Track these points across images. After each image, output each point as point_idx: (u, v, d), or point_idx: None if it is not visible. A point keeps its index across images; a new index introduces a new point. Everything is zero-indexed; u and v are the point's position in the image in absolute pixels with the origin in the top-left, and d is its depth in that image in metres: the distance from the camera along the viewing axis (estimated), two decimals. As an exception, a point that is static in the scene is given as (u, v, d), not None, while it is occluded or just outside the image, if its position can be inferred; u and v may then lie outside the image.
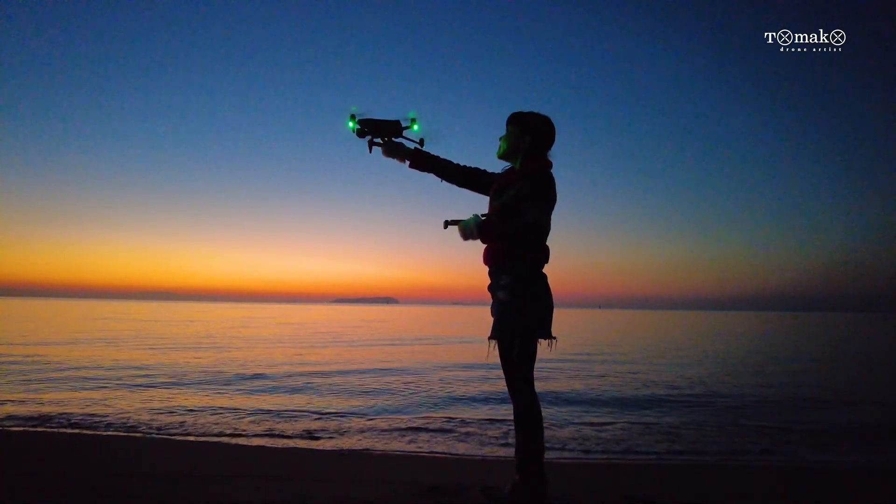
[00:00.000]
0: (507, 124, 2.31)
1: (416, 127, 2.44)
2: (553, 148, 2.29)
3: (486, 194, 2.38)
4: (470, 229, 2.12)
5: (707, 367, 11.38)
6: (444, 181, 2.45)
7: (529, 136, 2.23)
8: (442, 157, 2.45)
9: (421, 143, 2.46)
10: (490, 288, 2.24)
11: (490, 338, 2.19)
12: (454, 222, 2.21)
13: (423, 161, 2.41)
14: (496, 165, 2.41)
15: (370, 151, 2.46)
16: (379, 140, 2.43)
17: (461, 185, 2.45)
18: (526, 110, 2.30)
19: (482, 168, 2.44)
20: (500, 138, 2.33)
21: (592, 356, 13.22)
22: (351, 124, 2.39)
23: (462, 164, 2.44)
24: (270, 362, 10.73)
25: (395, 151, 2.42)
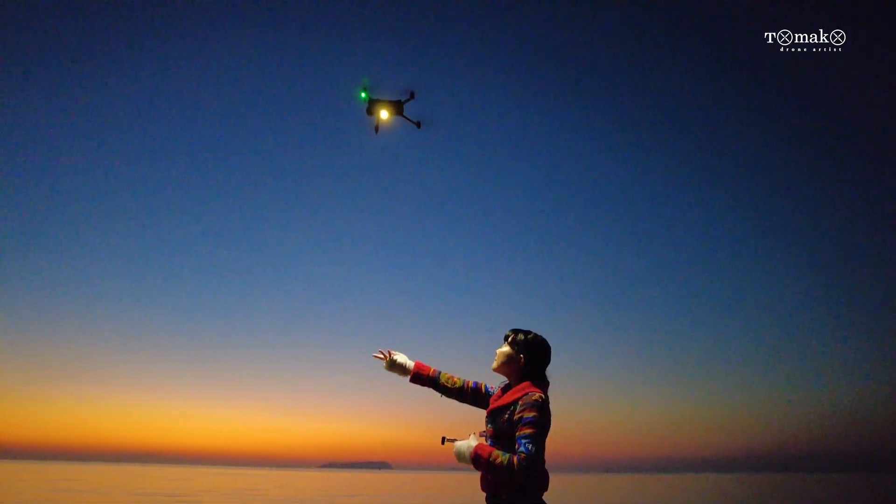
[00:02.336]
0: (504, 340, 2.39)
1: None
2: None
3: (484, 408, 2.44)
4: (463, 456, 2.14)
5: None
6: (443, 396, 2.54)
7: (525, 357, 2.31)
8: (442, 371, 2.56)
9: (418, 124, 2.63)
10: None
11: None
12: (451, 440, 2.24)
13: (422, 378, 2.54)
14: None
15: (376, 132, 2.65)
16: (385, 115, 2.63)
17: (459, 400, 2.53)
18: (524, 328, 2.38)
19: (479, 382, 2.53)
20: (497, 350, 2.40)
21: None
22: (364, 94, 2.62)
23: (459, 378, 2.54)
24: None
25: (395, 367, 2.57)
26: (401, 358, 2.59)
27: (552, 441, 2.23)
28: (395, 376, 2.61)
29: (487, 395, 2.47)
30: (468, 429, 2.29)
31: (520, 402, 2.17)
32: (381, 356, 2.61)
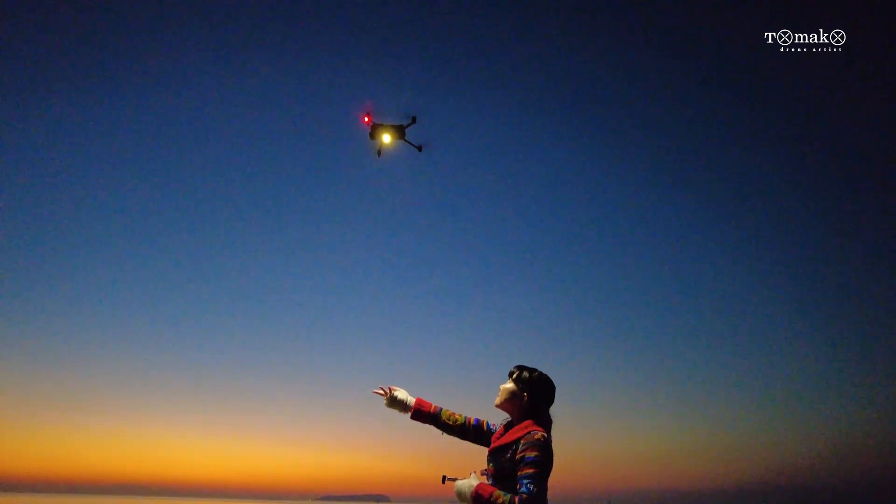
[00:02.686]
0: (509, 377, 2.37)
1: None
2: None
3: (486, 446, 2.41)
4: (464, 496, 2.11)
5: None
6: (444, 434, 2.52)
7: (528, 395, 2.28)
8: (443, 407, 2.54)
9: (419, 148, 2.71)
10: None
11: None
12: (452, 479, 2.22)
13: (423, 414, 2.51)
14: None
15: (379, 156, 2.78)
16: (388, 138, 2.75)
17: (461, 438, 2.51)
18: (529, 365, 2.35)
19: (480, 419, 2.50)
20: (501, 386, 2.37)
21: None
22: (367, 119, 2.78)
23: (461, 415, 2.52)
24: None
25: (396, 403, 2.54)
26: (401, 394, 2.56)
27: (553, 475, 2.21)
28: (395, 412, 2.58)
29: (489, 432, 2.45)
30: (469, 466, 2.27)
31: (522, 442, 2.15)
32: (382, 392, 2.59)
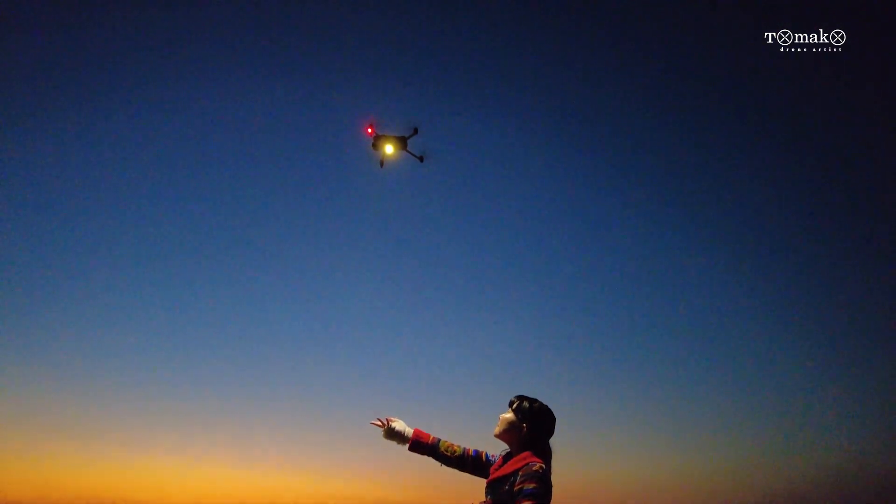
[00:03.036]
0: (508, 406, 2.34)
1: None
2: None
3: (484, 477, 2.40)
4: None
5: None
6: (443, 465, 2.50)
7: (528, 426, 2.25)
8: (441, 438, 2.52)
9: (421, 159, 2.78)
10: None
11: None
12: None
13: (421, 446, 2.50)
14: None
15: (381, 166, 2.88)
16: (390, 149, 2.84)
17: (459, 469, 2.49)
18: (530, 395, 2.33)
19: (479, 450, 2.48)
20: (500, 416, 2.34)
21: None
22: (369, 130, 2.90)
23: (459, 446, 2.50)
24: None
25: (394, 435, 2.53)
26: (399, 425, 2.52)
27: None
28: (392, 444, 2.56)
29: (488, 463, 2.43)
30: (467, 498, 2.26)
31: (520, 473, 2.13)
32: (380, 424, 2.56)
